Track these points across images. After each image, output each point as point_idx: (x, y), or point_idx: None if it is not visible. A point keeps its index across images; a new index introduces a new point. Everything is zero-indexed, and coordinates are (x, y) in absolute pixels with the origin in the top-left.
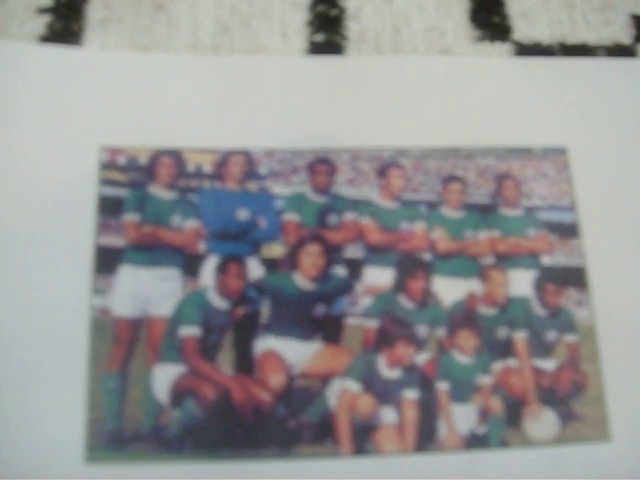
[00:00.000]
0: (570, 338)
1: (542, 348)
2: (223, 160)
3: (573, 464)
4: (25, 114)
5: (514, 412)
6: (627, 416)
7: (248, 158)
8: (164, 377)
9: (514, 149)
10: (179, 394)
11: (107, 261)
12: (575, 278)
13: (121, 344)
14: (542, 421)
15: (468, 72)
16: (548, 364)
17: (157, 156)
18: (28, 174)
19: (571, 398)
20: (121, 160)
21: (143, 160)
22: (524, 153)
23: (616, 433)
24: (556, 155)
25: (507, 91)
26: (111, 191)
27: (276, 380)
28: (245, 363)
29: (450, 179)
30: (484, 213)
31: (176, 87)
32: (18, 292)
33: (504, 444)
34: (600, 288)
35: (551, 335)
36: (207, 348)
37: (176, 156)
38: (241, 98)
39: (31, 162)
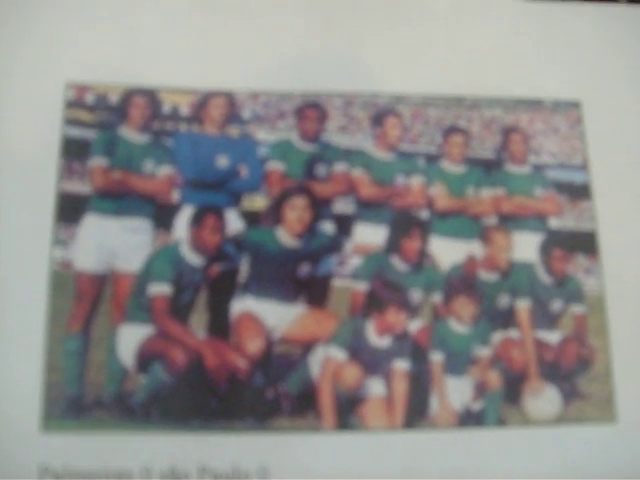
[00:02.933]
0: (577, 309)
1: (546, 319)
2: (202, 101)
3: (575, 445)
4: None
5: (513, 388)
6: (635, 395)
7: (230, 100)
8: (130, 339)
9: (523, 100)
10: (146, 358)
11: (70, 209)
12: (584, 243)
13: (84, 301)
14: (543, 398)
15: (476, 14)
16: (552, 336)
17: (129, 95)
18: None
19: (576, 374)
20: (89, 98)
21: (113, 99)
22: (534, 105)
23: (622, 413)
24: (569, 109)
25: (518, 36)
26: (77, 132)
27: (254, 345)
28: (220, 326)
29: (452, 130)
30: (488, 169)
31: (151, 19)
32: None
33: (501, 422)
34: (611, 255)
35: (556, 305)
36: (178, 308)
37: (150, 96)
38: (223, 33)
39: None
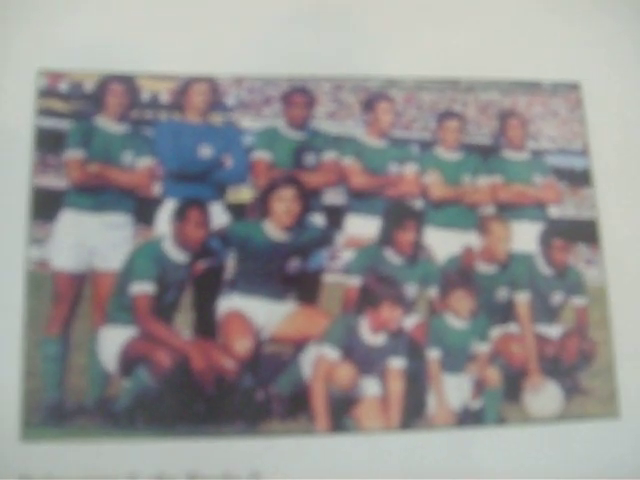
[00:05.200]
0: (578, 301)
1: (547, 312)
2: (183, 88)
3: (577, 442)
4: None
5: (513, 384)
6: (638, 389)
7: (213, 86)
8: (112, 341)
9: (521, 83)
10: (130, 361)
11: (46, 206)
12: (585, 233)
13: (62, 303)
14: (544, 395)
15: None
16: (553, 330)
17: (106, 82)
18: None
19: (577, 369)
20: (63, 87)
21: (89, 87)
22: (532, 88)
23: (625, 408)
24: (568, 91)
25: (515, 17)
26: (51, 123)
27: (242, 345)
28: (206, 325)
29: (447, 115)
30: (485, 155)
31: (130, 2)
32: None
33: (501, 421)
34: (613, 245)
35: (557, 297)
36: (162, 308)
37: (128, 83)
38: (205, 15)
39: None
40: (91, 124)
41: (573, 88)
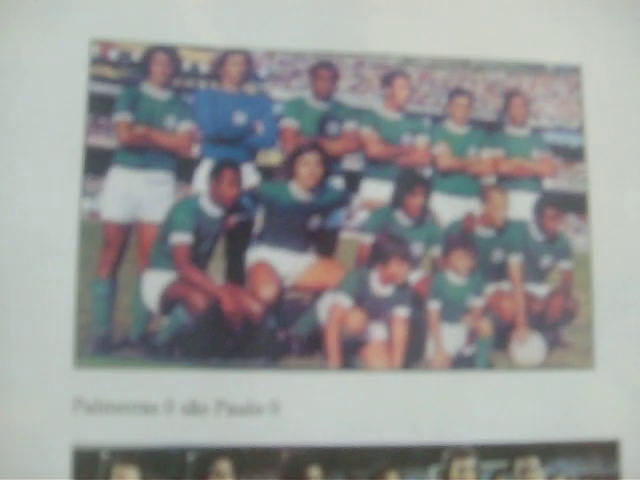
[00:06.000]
0: (565, 265)
1: (536, 273)
2: (221, 60)
3: (556, 389)
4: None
5: (502, 335)
6: (611, 345)
7: (247, 58)
8: (154, 284)
9: (526, 65)
10: (169, 302)
11: (97, 162)
12: (576, 204)
13: (111, 249)
14: (529, 346)
15: None
16: (540, 290)
17: (151, 52)
18: (13, 68)
19: (560, 325)
20: (113, 55)
21: (136, 56)
22: (536, 69)
23: (600, 361)
24: (569, 74)
25: (523, 1)
26: (102, 88)
27: (267, 291)
28: (236, 273)
29: (457, 92)
30: (489, 130)
31: None
32: (3, 194)
33: (490, 366)
34: (600, 216)
35: (546, 261)
36: (198, 256)
37: (171, 53)
38: None
39: (15, 56)
40: (138, 90)
41: (574, 71)
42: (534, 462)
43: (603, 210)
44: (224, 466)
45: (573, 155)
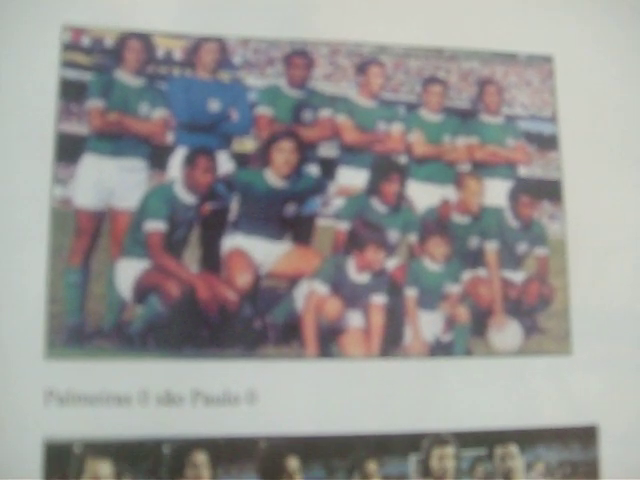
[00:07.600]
0: (540, 251)
1: (512, 260)
2: (195, 47)
3: (534, 375)
4: None
5: (480, 322)
6: (588, 331)
7: (221, 46)
8: (128, 272)
9: (499, 54)
10: (143, 290)
11: (69, 149)
12: (550, 191)
13: (83, 237)
14: (506, 332)
15: None
16: (517, 276)
17: (124, 39)
18: None
19: (536, 311)
20: (85, 41)
21: (109, 42)
22: (509, 59)
23: (576, 347)
24: (541, 63)
25: None
26: (74, 74)
27: (243, 279)
28: (212, 261)
29: (431, 80)
30: (464, 118)
31: None
32: None
33: (468, 353)
34: (574, 202)
35: (522, 247)
36: (173, 244)
37: (145, 40)
38: None
39: None
40: (111, 77)
41: (546, 60)
42: (513, 449)
43: (577, 197)
44: (200, 457)
45: (546, 143)
